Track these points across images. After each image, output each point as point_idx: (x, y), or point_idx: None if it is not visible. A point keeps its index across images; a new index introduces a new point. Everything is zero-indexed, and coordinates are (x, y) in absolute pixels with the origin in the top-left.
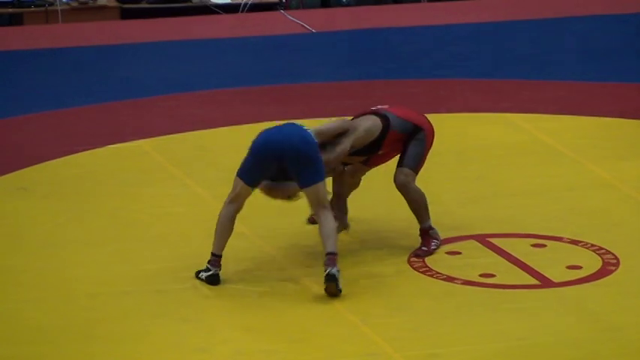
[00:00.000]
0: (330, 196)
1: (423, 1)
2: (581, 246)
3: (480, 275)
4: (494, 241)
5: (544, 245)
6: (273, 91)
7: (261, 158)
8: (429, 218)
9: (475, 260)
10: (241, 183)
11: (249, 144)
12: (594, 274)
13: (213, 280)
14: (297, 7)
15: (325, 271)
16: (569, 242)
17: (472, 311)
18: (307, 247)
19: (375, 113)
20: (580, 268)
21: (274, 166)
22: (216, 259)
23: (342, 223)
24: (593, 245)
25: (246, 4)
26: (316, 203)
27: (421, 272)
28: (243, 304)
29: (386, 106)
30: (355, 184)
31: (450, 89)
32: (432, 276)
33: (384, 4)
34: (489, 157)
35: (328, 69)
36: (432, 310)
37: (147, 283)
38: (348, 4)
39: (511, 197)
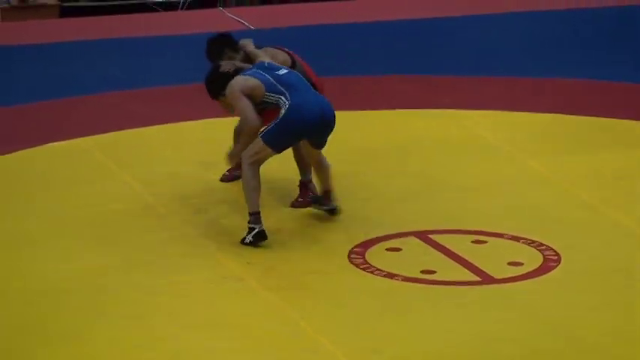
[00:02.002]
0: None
1: None
2: (522, 242)
3: (421, 272)
4: (434, 237)
5: (485, 242)
6: None
7: (299, 132)
8: (310, 173)
9: (416, 257)
10: (269, 150)
11: (189, 141)
12: (535, 270)
13: (262, 235)
14: (236, 5)
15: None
16: (509, 238)
17: (413, 308)
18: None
19: (288, 52)
20: (521, 264)
21: None
22: (257, 216)
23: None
24: (533, 241)
25: (185, 2)
26: (319, 157)
27: (362, 269)
28: (184, 300)
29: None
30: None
31: (390, 85)
32: (372, 272)
33: (324, 0)
34: (430, 153)
35: None
36: (372, 306)
37: (87, 281)
38: (287, 1)
39: (452, 193)
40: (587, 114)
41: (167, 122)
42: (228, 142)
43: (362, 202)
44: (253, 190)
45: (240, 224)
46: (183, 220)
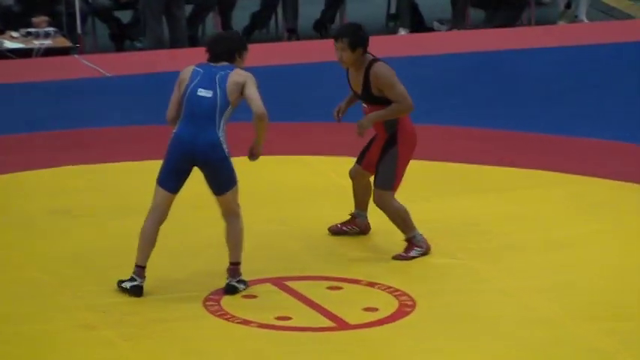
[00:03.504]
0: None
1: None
2: (378, 288)
3: (276, 318)
4: (290, 284)
5: (341, 288)
6: (69, 135)
7: (175, 167)
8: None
9: (271, 303)
10: (160, 190)
11: (47, 190)
12: (390, 315)
13: (137, 291)
14: (91, 52)
15: (227, 281)
16: (366, 285)
17: (268, 354)
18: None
19: None
20: (376, 310)
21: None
22: (140, 270)
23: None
24: (389, 287)
25: (39, 49)
26: (228, 211)
27: (217, 316)
28: (36, 349)
29: None
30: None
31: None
32: (227, 319)
33: (179, 47)
34: (287, 200)
35: (123, 113)
36: (228, 353)
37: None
38: (142, 49)
39: (307, 240)
40: (438, 159)
41: (22, 170)
42: (78, 190)
43: (218, 249)
44: (143, 243)
45: (94, 274)
46: (37, 269)
